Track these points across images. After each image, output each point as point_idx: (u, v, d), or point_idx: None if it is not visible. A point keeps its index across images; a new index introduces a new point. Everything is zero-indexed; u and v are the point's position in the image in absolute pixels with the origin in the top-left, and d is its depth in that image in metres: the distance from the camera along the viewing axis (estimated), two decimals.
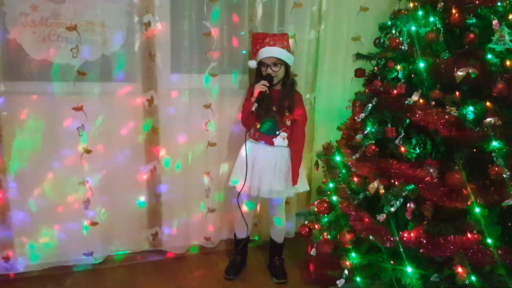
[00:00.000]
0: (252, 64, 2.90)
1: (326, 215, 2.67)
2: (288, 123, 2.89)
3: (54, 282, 2.88)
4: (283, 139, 2.89)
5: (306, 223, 2.86)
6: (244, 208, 3.01)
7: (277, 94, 2.86)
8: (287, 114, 2.87)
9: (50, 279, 2.90)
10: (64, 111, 2.80)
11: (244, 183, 2.84)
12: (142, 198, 3.14)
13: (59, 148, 2.84)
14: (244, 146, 2.87)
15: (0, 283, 2.82)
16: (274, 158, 2.88)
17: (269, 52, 2.79)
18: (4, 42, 2.60)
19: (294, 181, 2.89)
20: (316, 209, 2.80)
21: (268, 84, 2.77)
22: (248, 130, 2.94)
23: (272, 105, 2.85)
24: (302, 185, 3.00)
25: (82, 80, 2.79)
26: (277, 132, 2.88)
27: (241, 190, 2.87)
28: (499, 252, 2.08)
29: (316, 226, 2.73)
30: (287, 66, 2.87)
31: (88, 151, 2.88)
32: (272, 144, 2.89)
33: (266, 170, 2.87)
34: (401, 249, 2.20)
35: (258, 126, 2.90)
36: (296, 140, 2.92)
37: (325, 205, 2.75)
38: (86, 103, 2.83)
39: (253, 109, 2.74)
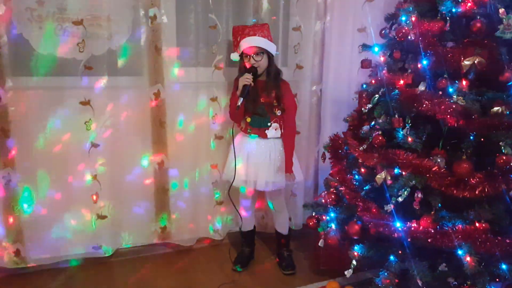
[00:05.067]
0: (235, 56, 2.86)
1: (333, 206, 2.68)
2: (278, 113, 2.87)
3: (64, 275, 2.91)
4: (276, 130, 2.88)
5: (313, 214, 2.86)
6: (245, 202, 3.02)
7: (263, 85, 2.84)
8: (275, 104, 2.86)
9: (60, 272, 2.94)
10: (71, 106, 2.81)
11: (234, 177, 2.84)
12: (150, 191, 3.16)
13: (67, 143, 2.85)
14: (234, 140, 2.88)
15: (11, 276, 2.85)
16: (269, 150, 2.88)
17: (249, 42, 2.76)
18: (11, 38, 2.61)
19: (289, 169, 2.87)
20: (323, 200, 2.80)
21: (252, 77, 2.74)
22: (238, 125, 2.93)
23: (260, 97, 2.84)
24: (297, 175, 2.96)
25: (89, 74, 2.80)
26: (269, 124, 2.87)
27: (230, 185, 2.87)
28: (508, 241, 2.08)
29: (324, 218, 2.74)
30: (270, 56, 2.84)
31: (95, 145, 2.90)
32: (265, 136, 2.88)
33: (261, 163, 2.87)
34: (409, 239, 2.20)
35: (249, 120, 2.89)
36: (287, 129, 2.90)
37: (333, 197, 2.76)
38: (93, 97, 2.84)
39: (239, 103, 2.71)
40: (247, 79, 2.73)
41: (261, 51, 2.78)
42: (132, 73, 2.94)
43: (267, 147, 2.88)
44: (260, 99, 2.84)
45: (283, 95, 2.86)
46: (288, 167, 2.88)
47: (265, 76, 2.86)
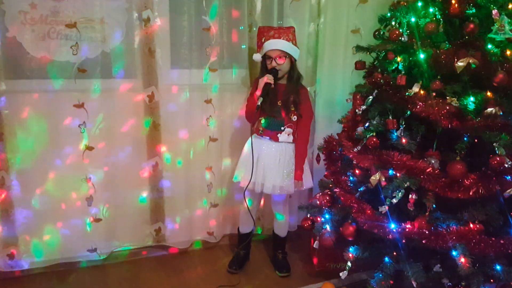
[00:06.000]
0: (257, 57, 2.85)
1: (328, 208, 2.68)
2: (294, 118, 2.86)
3: (59, 279, 2.90)
4: (288, 135, 2.86)
5: (308, 216, 2.86)
6: (248, 203, 3.00)
7: (283, 89, 2.84)
8: (292, 109, 2.85)
9: (54, 275, 2.92)
10: (65, 109, 2.80)
11: (251, 178, 2.81)
12: (145, 194, 3.15)
13: (61, 146, 2.84)
14: (248, 141, 2.85)
15: (5, 280, 2.84)
16: (279, 154, 2.86)
17: (273, 44, 2.76)
18: (4, 41, 2.60)
19: (298, 176, 2.86)
20: (318, 202, 2.80)
21: (273, 78, 2.74)
22: (253, 125, 2.92)
23: (278, 100, 2.83)
24: (307, 182, 2.96)
25: (83, 77, 2.78)
26: (282, 128, 2.85)
27: (247, 186, 2.84)
28: (501, 242, 2.09)
29: (319, 219, 2.74)
30: (292, 60, 2.84)
31: (90, 148, 2.89)
32: (277, 140, 2.86)
33: (270, 167, 2.85)
34: (404, 241, 2.21)
35: (263, 121, 2.88)
36: (301, 136, 2.89)
37: (327, 198, 2.76)
38: (87, 100, 2.83)
39: (259, 103, 2.70)
40: (268, 79, 2.73)
41: (284, 54, 2.78)
42: (126, 76, 2.93)
43: (277, 151, 2.87)
44: (277, 102, 2.83)
45: (301, 101, 2.85)
46: (297, 174, 2.87)
47: (286, 80, 2.86)
